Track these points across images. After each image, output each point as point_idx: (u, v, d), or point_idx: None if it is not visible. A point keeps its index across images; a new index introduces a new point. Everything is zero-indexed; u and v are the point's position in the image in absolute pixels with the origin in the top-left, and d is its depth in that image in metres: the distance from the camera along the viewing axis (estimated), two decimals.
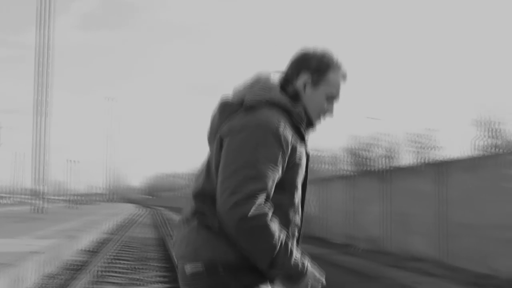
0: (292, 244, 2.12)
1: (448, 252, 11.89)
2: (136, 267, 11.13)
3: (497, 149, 12.12)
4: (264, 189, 2.07)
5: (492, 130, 12.55)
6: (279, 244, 2.06)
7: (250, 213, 2.02)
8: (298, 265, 2.13)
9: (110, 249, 14.38)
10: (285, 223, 2.19)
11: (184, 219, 2.29)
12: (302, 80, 2.35)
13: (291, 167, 2.20)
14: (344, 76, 2.40)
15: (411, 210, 14.42)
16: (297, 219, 2.29)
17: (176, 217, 42.48)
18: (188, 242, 2.21)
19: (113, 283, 9.16)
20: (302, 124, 2.30)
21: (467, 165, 11.98)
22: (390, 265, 13.05)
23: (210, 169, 2.26)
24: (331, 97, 2.39)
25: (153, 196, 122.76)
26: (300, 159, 2.23)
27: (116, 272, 10.33)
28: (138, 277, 9.77)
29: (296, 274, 2.14)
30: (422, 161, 15.14)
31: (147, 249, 15.16)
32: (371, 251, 15.89)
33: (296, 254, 2.13)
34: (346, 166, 23.44)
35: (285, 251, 2.09)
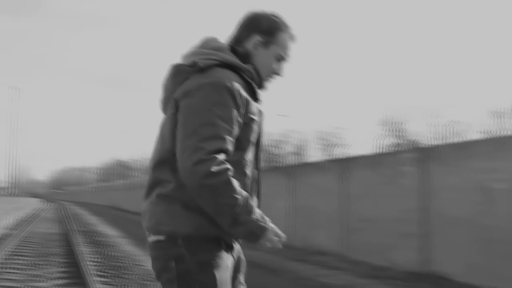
0: (253, 201, 2.19)
1: (349, 245, 12.34)
2: (37, 263, 10.74)
3: (398, 147, 12.67)
4: (223, 146, 2.12)
5: (395, 129, 13.12)
6: (242, 200, 2.12)
7: (213, 169, 2.06)
8: (259, 221, 2.18)
9: (9, 244, 13.80)
10: (244, 178, 2.27)
11: (145, 190, 2.34)
12: (253, 41, 2.41)
13: (246, 124, 2.26)
14: (292, 37, 2.47)
15: (316, 205, 14.83)
16: (255, 173, 2.37)
17: (82, 211, 41.37)
18: (150, 215, 2.28)
19: (11, 279, 8.80)
20: (254, 82, 2.35)
21: (368, 162, 12.48)
22: (294, 259, 13.35)
23: (164, 137, 2.29)
24: (281, 58, 2.45)
25: (59, 190, 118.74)
26: (254, 115, 2.29)
27: (14, 268, 9.93)
28: (38, 273, 9.43)
29: (258, 230, 2.19)
30: (328, 157, 15.61)
31: (50, 245, 14.64)
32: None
33: (257, 210, 2.20)
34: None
35: (247, 207, 2.14)
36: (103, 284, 8.62)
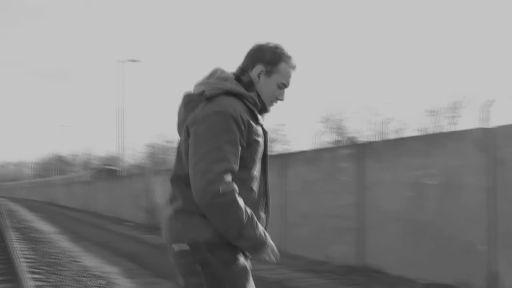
0: (256, 218, 2.49)
1: (288, 240, 12.48)
2: None
3: (336, 144, 12.91)
4: (229, 168, 2.42)
5: (334, 126, 13.37)
6: (246, 218, 2.44)
7: (221, 191, 2.37)
8: (262, 236, 2.52)
9: None
10: (251, 193, 2.60)
11: (166, 202, 2.71)
12: (257, 70, 2.70)
13: (250, 145, 2.56)
14: (294, 67, 2.77)
15: None
16: (262, 188, 2.70)
17: (17, 207, 40.07)
18: (171, 228, 2.63)
19: None
20: (256, 107, 2.64)
21: (307, 158, 12.65)
22: None
23: (181, 156, 2.62)
24: (282, 85, 2.75)
25: None
26: (257, 137, 2.59)
27: None
28: None
29: (260, 245, 2.52)
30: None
31: None
32: None
33: (260, 227, 2.52)
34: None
35: (251, 223, 2.46)
36: (36, 281, 8.41)
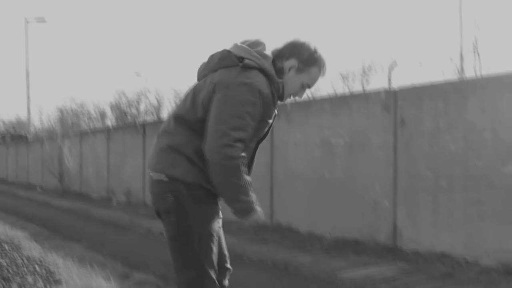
0: (249, 190, 2.71)
1: None
2: None
3: None
4: (244, 137, 2.63)
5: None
6: (244, 184, 2.67)
7: (231, 155, 2.58)
8: (253, 204, 2.75)
9: None
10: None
11: (161, 131, 2.93)
12: (290, 63, 2.85)
13: (261, 122, 2.76)
14: (324, 73, 2.92)
15: None
16: (248, 159, 2.87)
17: None
18: (157, 160, 2.86)
19: None
20: (278, 93, 2.82)
21: None
22: (147, 216, 13.37)
23: (195, 102, 2.76)
24: (306, 86, 2.91)
25: None
26: (268, 118, 2.81)
27: None
28: None
29: (249, 210, 2.76)
30: None
31: None
32: (130, 204, 16.06)
33: (253, 195, 2.75)
34: (111, 121, 23.13)
35: (247, 190, 2.70)
36: None
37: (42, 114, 53.00)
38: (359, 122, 8.89)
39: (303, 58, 2.87)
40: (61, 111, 51.73)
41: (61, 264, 6.98)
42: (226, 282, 3.15)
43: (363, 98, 9.02)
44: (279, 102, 2.94)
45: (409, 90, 8.26)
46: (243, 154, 2.65)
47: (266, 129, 2.92)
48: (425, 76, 53.09)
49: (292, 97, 3.00)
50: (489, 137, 7.02)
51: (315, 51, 2.89)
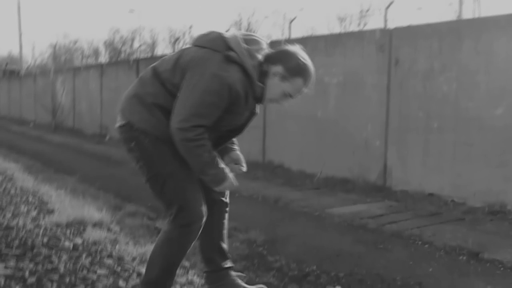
0: (216, 165, 2.82)
1: None
2: None
3: None
4: (204, 124, 2.73)
5: (245, 29, 13.17)
6: (209, 159, 2.79)
7: (191, 137, 2.72)
8: (220, 175, 2.86)
9: None
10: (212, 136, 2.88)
11: (137, 78, 3.06)
12: (276, 69, 2.85)
13: (228, 113, 2.81)
14: (308, 85, 2.91)
15: None
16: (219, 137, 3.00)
17: None
18: (122, 105, 3.01)
19: None
20: (255, 96, 2.87)
21: None
22: None
23: (178, 63, 2.85)
24: (288, 95, 2.91)
25: None
26: (239, 114, 2.89)
27: None
28: None
29: (219, 180, 2.88)
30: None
31: None
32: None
33: (221, 166, 2.85)
34: (104, 59, 22.89)
35: (212, 164, 2.81)
36: None
37: (34, 50, 52.31)
38: (354, 61, 8.84)
39: (289, 67, 2.86)
40: (54, 47, 51.07)
41: (54, 195, 7.05)
42: (225, 216, 3.38)
43: (358, 37, 8.93)
44: (258, 104, 3.01)
45: (405, 29, 8.18)
46: (204, 136, 2.75)
47: (241, 121, 2.99)
48: (423, 20, 52.39)
49: (271, 103, 3.01)
50: (482, 79, 7.01)
51: (303, 63, 2.88)
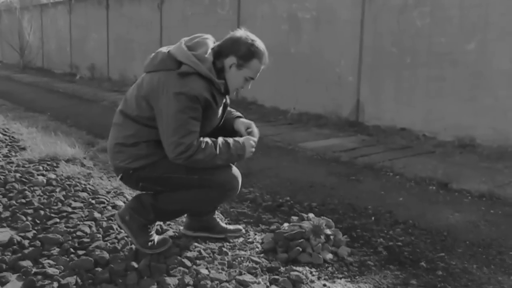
0: (226, 148, 2.93)
1: None
2: None
3: None
4: (194, 137, 2.81)
5: None
6: (217, 152, 2.87)
7: (191, 153, 2.80)
8: (235, 153, 2.96)
9: None
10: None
11: (113, 123, 3.11)
12: (230, 61, 2.92)
13: (206, 119, 2.90)
14: (265, 63, 2.99)
15: (132, 37, 14.52)
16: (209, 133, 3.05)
17: None
18: (113, 158, 3.06)
19: None
20: (219, 93, 2.94)
21: None
22: (111, 90, 13.28)
23: (139, 100, 2.93)
24: (250, 78, 3.00)
25: None
26: (214, 114, 2.97)
27: None
28: None
29: (238, 158, 3.00)
30: None
31: None
32: (94, 78, 15.85)
33: (232, 145, 2.95)
34: None
35: (222, 152, 2.90)
36: None
37: None
38: None
39: (241, 54, 2.92)
40: None
41: (25, 133, 6.98)
42: None
43: None
44: (227, 96, 3.10)
45: None
46: (199, 144, 2.83)
47: (218, 117, 3.06)
48: None
49: (237, 90, 3.10)
50: (455, 14, 7.00)
51: (252, 44, 2.93)
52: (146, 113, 2.92)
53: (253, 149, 3.10)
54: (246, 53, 2.92)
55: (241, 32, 2.98)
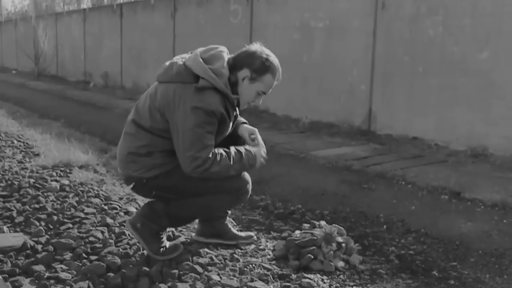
0: (239, 158, 2.95)
1: None
2: None
3: None
4: (210, 151, 2.83)
5: None
6: (231, 164, 2.89)
7: (207, 167, 2.82)
8: (247, 163, 2.99)
9: None
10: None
11: (124, 132, 3.08)
12: (243, 73, 2.92)
13: (219, 133, 2.91)
14: (278, 79, 2.99)
15: (145, 45, 14.62)
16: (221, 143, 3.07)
17: None
18: (125, 167, 3.04)
19: None
20: (232, 107, 2.94)
21: (197, 0, 12.37)
22: (124, 97, 13.37)
23: (153, 112, 2.91)
24: (262, 93, 2.99)
25: None
26: (226, 125, 2.96)
27: None
28: None
29: (250, 167, 3.03)
30: None
31: None
32: (108, 86, 15.96)
33: (243, 153, 2.97)
34: (87, 3, 22.38)
35: (235, 163, 2.92)
36: None
37: None
38: (340, 5, 8.75)
39: (255, 68, 2.92)
40: None
41: (39, 139, 7.04)
42: None
43: None
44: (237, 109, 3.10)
45: None
46: (215, 157, 2.85)
47: (229, 128, 3.06)
48: None
49: (248, 104, 3.08)
50: (468, 23, 6.99)
51: (267, 59, 2.93)
52: (160, 125, 2.92)
53: (264, 160, 3.13)
54: (260, 67, 2.93)
55: (256, 46, 2.99)
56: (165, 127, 2.91)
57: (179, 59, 3.00)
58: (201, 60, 2.89)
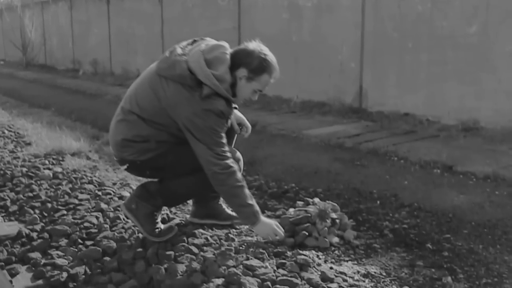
0: (246, 204, 2.98)
1: None
2: None
3: None
4: (227, 149, 2.90)
5: None
6: (238, 186, 2.92)
7: (224, 177, 2.87)
8: (244, 216, 3.03)
9: None
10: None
11: (120, 122, 3.05)
12: (241, 73, 2.92)
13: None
14: (275, 78, 3.02)
15: (133, 30, 14.52)
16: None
17: None
18: (119, 150, 3.05)
19: None
20: (231, 107, 2.95)
21: None
22: (114, 84, 13.31)
23: (157, 108, 2.90)
24: (258, 91, 3.02)
25: None
26: (228, 121, 3.00)
27: None
28: None
29: (251, 220, 3.03)
30: None
31: None
32: (97, 73, 15.88)
33: (246, 209, 3.00)
34: None
35: (237, 199, 2.97)
36: None
37: None
38: None
39: (252, 68, 2.93)
40: None
41: (30, 128, 7.01)
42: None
43: None
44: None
45: None
46: (232, 168, 2.90)
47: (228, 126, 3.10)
48: None
49: (244, 101, 3.13)
50: None
51: (264, 59, 2.94)
52: (162, 120, 2.93)
53: (271, 237, 3.11)
54: (258, 67, 2.93)
55: (254, 45, 2.97)
56: (166, 122, 2.92)
57: (180, 53, 2.93)
58: (203, 62, 2.85)
